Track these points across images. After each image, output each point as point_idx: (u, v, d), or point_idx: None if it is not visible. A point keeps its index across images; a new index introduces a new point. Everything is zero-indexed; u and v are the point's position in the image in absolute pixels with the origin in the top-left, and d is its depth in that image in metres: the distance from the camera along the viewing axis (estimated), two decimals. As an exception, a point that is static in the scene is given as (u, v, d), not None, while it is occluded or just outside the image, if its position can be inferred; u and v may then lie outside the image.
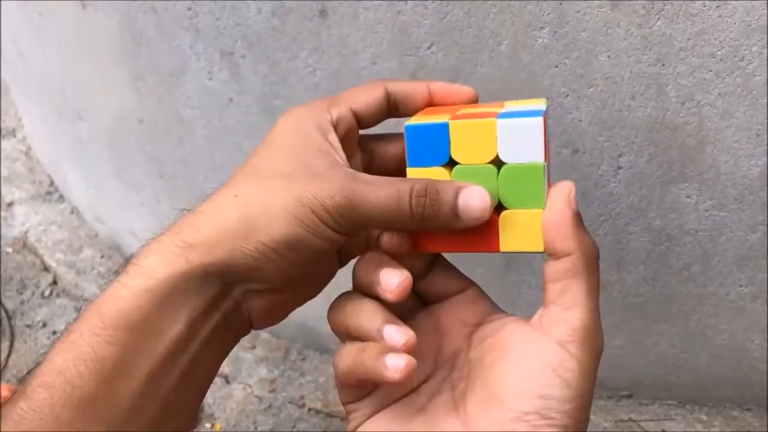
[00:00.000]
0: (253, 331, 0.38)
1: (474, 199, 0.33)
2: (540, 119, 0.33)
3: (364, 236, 0.39)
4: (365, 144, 0.40)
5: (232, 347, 0.37)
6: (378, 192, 0.33)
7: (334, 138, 0.37)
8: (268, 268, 0.33)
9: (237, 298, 0.34)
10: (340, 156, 0.36)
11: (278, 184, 0.34)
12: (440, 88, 0.40)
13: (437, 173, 0.35)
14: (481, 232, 0.34)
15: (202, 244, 0.33)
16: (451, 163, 0.35)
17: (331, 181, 0.33)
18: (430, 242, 0.36)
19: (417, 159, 0.35)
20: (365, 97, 0.39)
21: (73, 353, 0.31)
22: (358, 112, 0.39)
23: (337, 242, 0.34)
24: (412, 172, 0.35)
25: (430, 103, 0.39)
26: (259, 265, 0.33)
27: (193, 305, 0.33)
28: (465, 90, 0.40)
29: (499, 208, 0.34)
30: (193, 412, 0.35)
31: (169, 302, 0.32)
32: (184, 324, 0.32)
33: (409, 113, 0.39)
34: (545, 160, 0.33)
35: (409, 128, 0.35)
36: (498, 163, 0.34)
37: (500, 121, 0.33)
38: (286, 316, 0.39)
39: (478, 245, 0.35)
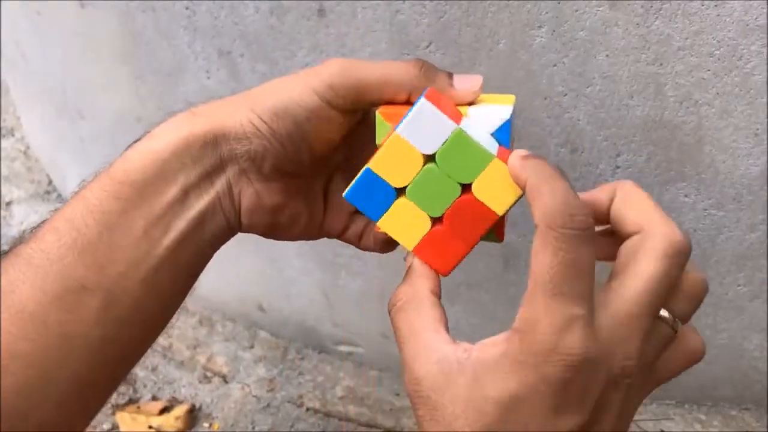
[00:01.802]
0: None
1: (469, 78, 0.37)
2: (422, 99, 0.35)
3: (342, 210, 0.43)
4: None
5: (225, 239, 0.39)
6: (377, 62, 0.36)
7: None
8: (255, 138, 0.35)
9: (230, 177, 0.37)
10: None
11: (296, 72, 0.37)
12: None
13: (414, 156, 0.36)
14: (474, 218, 0.35)
15: (205, 115, 0.36)
16: (431, 157, 0.36)
17: (332, 60, 0.36)
18: (440, 256, 0.37)
19: (410, 133, 0.36)
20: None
21: (82, 204, 0.35)
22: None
23: (324, 119, 0.36)
24: (396, 138, 0.36)
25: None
26: (247, 134, 0.35)
27: (188, 172, 0.35)
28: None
29: (466, 188, 0.35)
30: (178, 298, 0.38)
31: (169, 164, 0.35)
32: (179, 188, 0.35)
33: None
34: (458, 123, 0.35)
35: (425, 105, 0.35)
36: (431, 158, 0.35)
37: (399, 129, 0.35)
38: (272, 227, 0.41)
39: (481, 227, 0.36)
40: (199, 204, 0.36)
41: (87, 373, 0.35)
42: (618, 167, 0.79)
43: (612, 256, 0.35)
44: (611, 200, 0.35)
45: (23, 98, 1.58)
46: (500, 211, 0.34)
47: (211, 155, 0.36)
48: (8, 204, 1.62)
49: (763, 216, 0.80)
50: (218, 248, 0.39)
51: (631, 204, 0.34)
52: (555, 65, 0.73)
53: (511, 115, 0.36)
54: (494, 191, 0.34)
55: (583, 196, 0.36)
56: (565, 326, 0.29)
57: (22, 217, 1.57)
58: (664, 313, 0.33)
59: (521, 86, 0.76)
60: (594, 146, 0.78)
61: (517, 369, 0.29)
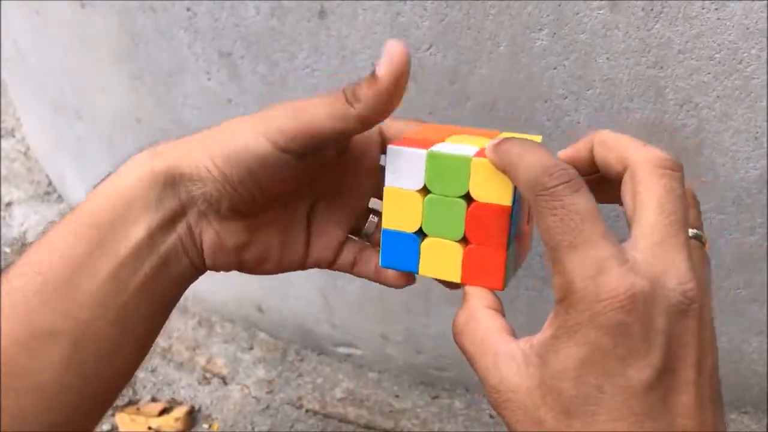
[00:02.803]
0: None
1: (385, 55, 0.35)
2: (388, 147, 0.37)
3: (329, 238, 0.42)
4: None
5: (191, 280, 0.39)
6: (315, 99, 0.36)
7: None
8: (210, 182, 0.36)
9: (190, 221, 0.37)
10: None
11: (247, 116, 0.37)
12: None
13: (411, 197, 0.37)
14: (491, 220, 0.36)
15: (165, 154, 0.37)
16: (425, 190, 0.37)
17: (282, 104, 0.36)
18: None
19: (395, 179, 0.37)
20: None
21: (47, 247, 0.34)
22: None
23: (277, 163, 0.36)
24: (388, 190, 0.37)
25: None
26: (202, 178, 0.36)
27: (152, 214, 0.35)
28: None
29: (469, 199, 0.36)
30: (149, 336, 0.38)
31: (133, 205, 0.35)
32: (144, 231, 0.35)
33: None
34: (427, 148, 0.36)
35: (392, 150, 0.37)
36: (426, 190, 0.36)
37: (386, 182, 0.36)
38: (239, 265, 0.41)
39: (503, 226, 0.36)
40: (163, 247, 0.36)
41: (63, 421, 0.34)
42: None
43: (614, 197, 0.35)
44: (591, 150, 0.36)
45: (22, 98, 1.58)
46: (507, 201, 0.35)
47: (172, 197, 0.36)
48: (8, 205, 1.62)
49: (762, 219, 0.80)
50: (186, 288, 0.39)
51: (610, 146, 0.34)
52: (555, 68, 0.73)
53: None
54: (491, 187, 0.35)
55: (562, 153, 0.37)
56: (597, 271, 0.28)
57: (21, 218, 1.57)
58: (690, 230, 0.33)
59: (522, 88, 0.76)
60: (594, 149, 0.78)
61: (573, 334, 0.28)
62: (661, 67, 0.71)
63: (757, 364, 0.94)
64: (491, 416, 1.04)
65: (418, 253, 0.37)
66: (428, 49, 0.76)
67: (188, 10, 0.87)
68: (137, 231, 0.35)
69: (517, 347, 0.31)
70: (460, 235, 0.36)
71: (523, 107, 0.77)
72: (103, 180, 0.37)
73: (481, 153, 0.35)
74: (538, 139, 0.36)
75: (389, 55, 0.35)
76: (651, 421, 0.28)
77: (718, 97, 0.72)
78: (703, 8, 0.66)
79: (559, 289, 0.29)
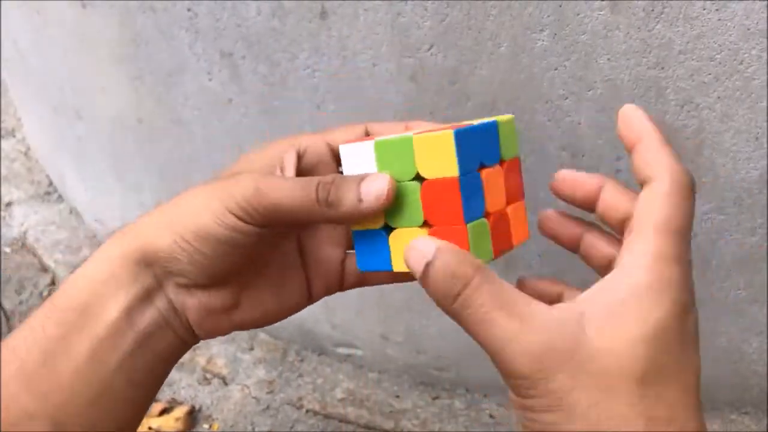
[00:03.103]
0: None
1: (375, 181, 0.34)
2: (340, 148, 0.36)
3: (329, 266, 0.41)
4: None
5: (179, 354, 0.39)
6: (289, 182, 0.34)
7: (290, 158, 0.38)
8: (183, 258, 0.35)
9: (169, 294, 0.37)
10: (285, 172, 0.38)
11: (205, 187, 0.37)
12: (419, 125, 0.40)
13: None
14: (444, 197, 0.34)
15: (133, 233, 0.37)
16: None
17: (245, 177, 0.35)
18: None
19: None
20: (344, 133, 0.40)
21: (26, 333, 0.35)
22: (334, 147, 0.40)
23: (249, 235, 0.35)
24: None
25: None
26: (174, 255, 0.35)
27: (127, 292, 0.35)
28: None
29: (421, 180, 0.35)
30: (135, 415, 0.37)
31: (107, 286, 0.35)
32: (120, 308, 0.35)
33: None
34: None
35: (343, 149, 0.37)
36: (420, 179, 0.35)
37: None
38: (231, 327, 0.40)
39: (455, 199, 0.35)
40: (142, 323, 0.36)
41: None
42: (619, 171, 0.79)
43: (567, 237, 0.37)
44: (598, 191, 0.36)
45: (23, 98, 1.58)
46: (454, 172, 0.33)
47: (146, 274, 0.36)
48: (8, 205, 1.62)
49: (762, 220, 0.80)
50: (174, 362, 0.39)
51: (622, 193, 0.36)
52: (556, 69, 0.74)
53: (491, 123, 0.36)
54: (437, 161, 0.34)
55: (567, 174, 0.37)
56: (684, 262, 0.30)
57: (22, 218, 1.57)
58: None
59: (522, 89, 0.76)
60: (595, 150, 0.78)
61: (659, 299, 0.29)
62: (662, 68, 0.71)
63: (758, 365, 0.94)
64: (491, 416, 1.04)
65: (389, 248, 0.36)
66: (429, 50, 0.76)
67: (189, 10, 0.87)
68: (113, 310, 0.35)
69: (561, 311, 0.29)
70: (420, 220, 0.35)
71: (523, 108, 0.77)
72: (77, 267, 0.37)
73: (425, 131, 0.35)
74: (512, 117, 0.37)
75: (378, 193, 0.34)
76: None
77: (719, 97, 0.72)
78: (704, 9, 0.67)
79: (658, 256, 0.30)
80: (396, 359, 1.10)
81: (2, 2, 1.28)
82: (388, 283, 0.42)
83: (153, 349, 0.37)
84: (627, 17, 0.69)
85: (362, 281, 0.42)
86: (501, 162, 0.36)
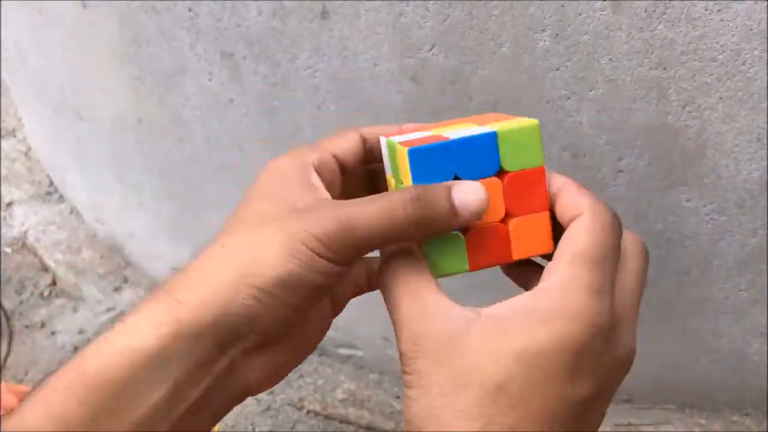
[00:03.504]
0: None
1: (469, 192, 0.32)
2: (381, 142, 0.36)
3: (355, 277, 0.40)
4: (349, 187, 0.40)
5: (222, 416, 0.34)
6: (369, 207, 0.31)
7: (316, 179, 0.35)
8: (264, 314, 0.31)
9: (234, 357, 0.32)
10: (326, 193, 0.35)
11: (267, 226, 0.32)
12: (412, 127, 0.39)
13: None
14: (493, 246, 0.35)
15: (193, 301, 0.30)
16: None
17: (319, 212, 0.32)
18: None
19: (424, 181, 0.35)
20: (343, 143, 0.38)
21: (42, 409, 0.29)
22: (340, 157, 0.38)
23: (335, 275, 0.32)
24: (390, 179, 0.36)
25: None
26: (255, 314, 0.31)
27: (180, 369, 0.30)
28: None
29: (505, 218, 0.35)
30: None
31: (154, 364, 0.30)
32: (167, 389, 0.30)
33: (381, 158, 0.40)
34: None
35: (414, 152, 0.35)
36: (499, 173, 0.34)
37: (500, 131, 0.34)
38: (288, 373, 0.36)
39: (492, 258, 0.35)
40: (192, 396, 0.31)
41: None
42: (620, 171, 0.79)
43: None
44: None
45: (23, 99, 1.58)
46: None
47: (208, 344, 0.31)
48: (9, 205, 1.62)
49: (764, 221, 0.79)
50: (217, 422, 0.34)
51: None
52: (558, 69, 0.73)
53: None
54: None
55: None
56: (598, 292, 0.29)
57: (22, 218, 1.57)
58: None
59: (524, 89, 0.76)
60: (596, 150, 0.78)
61: (547, 323, 0.29)
62: (664, 68, 0.71)
63: (759, 366, 0.94)
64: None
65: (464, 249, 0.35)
66: (430, 50, 0.76)
67: (190, 10, 0.87)
68: (159, 390, 0.30)
69: (461, 311, 0.30)
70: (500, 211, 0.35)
71: (525, 108, 0.77)
72: (110, 330, 0.31)
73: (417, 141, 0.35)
74: (534, 123, 0.34)
75: (476, 207, 0.32)
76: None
77: (720, 98, 0.71)
78: (706, 9, 0.66)
79: (558, 282, 0.31)
80: (396, 360, 1.09)
81: (3, 2, 1.28)
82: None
83: (197, 421, 0.32)
84: (629, 17, 0.68)
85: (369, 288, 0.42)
86: (501, 173, 0.35)
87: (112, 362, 0.29)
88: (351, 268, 0.34)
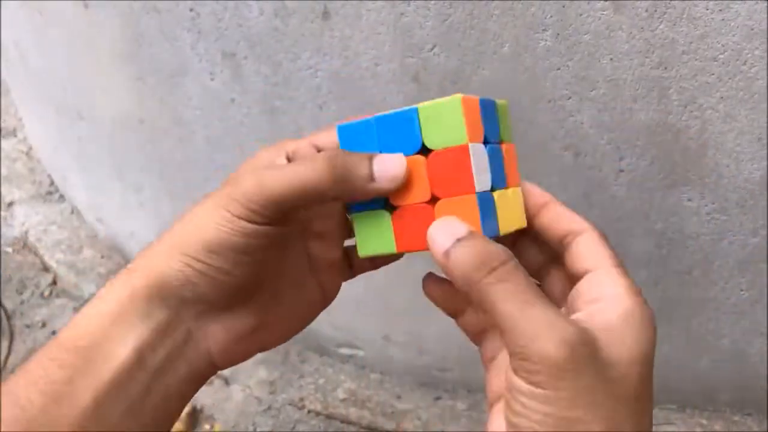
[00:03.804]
0: None
1: (388, 160, 0.33)
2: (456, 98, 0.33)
3: (339, 264, 0.40)
4: None
5: (191, 391, 0.36)
6: (291, 166, 0.33)
7: (281, 161, 0.37)
8: (198, 280, 0.33)
9: (189, 325, 0.34)
10: None
11: (203, 200, 0.35)
12: None
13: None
14: (421, 228, 0.34)
15: (141, 269, 0.34)
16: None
17: (245, 176, 0.34)
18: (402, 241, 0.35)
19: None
20: (326, 135, 0.39)
21: (26, 376, 0.32)
22: (322, 147, 0.39)
23: (261, 236, 0.33)
24: None
25: None
26: (188, 279, 0.33)
27: (139, 330, 0.33)
28: None
29: (433, 200, 0.34)
30: None
31: (116, 326, 0.33)
32: (130, 349, 0.33)
33: None
34: (470, 140, 0.33)
35: (341, 128, 0.36)
36: (425, 153, 0.34)
37: (421, 107, 0.33)
38: (255, 350, 0.38)
39: (420, 242, 0.34)
40: (154, 362, 0.33)
41: None
42: (621, 171, 0.79)
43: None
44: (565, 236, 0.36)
45: (24, 99, 1.58)
46: (464, 140, 0.33)
47: (159, 309, 0.33)
48: (10, 204, 1.62)
49: (764, 221, 0.79)
50: (188, 400, 0.36)
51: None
52: (559, 68, 0.73)
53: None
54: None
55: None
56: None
57: (23, 217, 1.57)
58: None
59: (525, 89, 0.76)
60: (597, 150, 0.78)
61: (648, 327, 0.31)
62: (665, 68, 0.71)
63: (760, 366, 0.94)
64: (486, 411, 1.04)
65: (392, 229, 0.35)
66: (431, 50, 0.76)
67: (191, 10, 0.87)
68: (121, 351, 0.32)
69: (573, 322, 0.30)
70: (428, 195, 0.34)
71: (526, 108, 0.77)
72: (83, 305, 0.34)
73: None
74: (456, 99, 0.33)
75: (394, 163, 0.33)
76: None
77: (722, 98, 0.72)
78: (707, 9, 0.66)
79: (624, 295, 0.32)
80: (398, 360, 1.10)
81: (3, 2, 1.28)
82: (387, 264, 0.41)
83: (164, 388, 0.34)
84: (630, 17, 0.68)
85: (364, 267, 0.42)
86: (426, 152, 0.34)
87: (83, 329, 0.33)
88: (285, 233, 0.35)
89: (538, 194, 0.37)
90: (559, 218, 0.36)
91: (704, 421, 0.99)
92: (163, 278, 0.33)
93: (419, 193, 0.34)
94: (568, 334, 0.28)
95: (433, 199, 0.34)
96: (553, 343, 0.28)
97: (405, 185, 0.34)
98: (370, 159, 0.33)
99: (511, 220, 0.35)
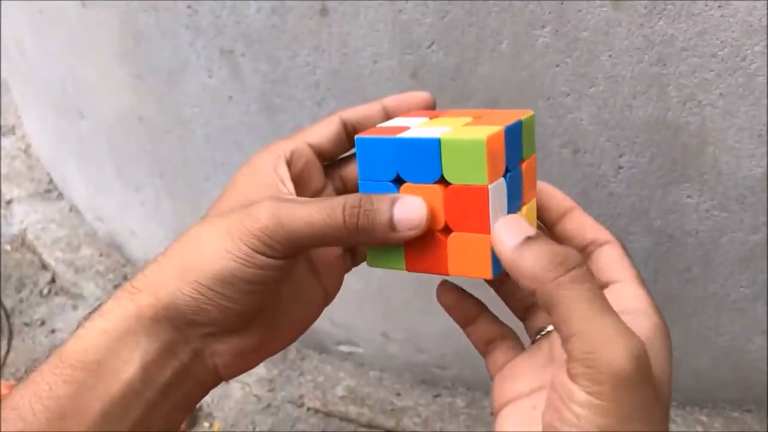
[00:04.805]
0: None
1: (410, 209, 0.32)
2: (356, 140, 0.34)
3: (339, 264, 0.39)
4: (335, 172, 0.40)
5: (197, 400, 0.36)
6: (311, 207, 0.32)
7: (283, 170, 0.36)
8: (210, 307, 0.33)
9: (195, 345, 0.34)
10: (287, 187, 0.36)
11: (215, 222, 0.34)
12: (393, 101, 0.39)
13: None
14: (431, 254, 0.34)
15: (148, 288, 0.33)
16: (399, 180, 0.34)
17: (261, 208, 0.33)
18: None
19: (367, 173, 0.35)
20: (320, 129, 0.39)
21: (30, 390, 0.32)
22: (316, 145, 0.39)
23: (276, 269, 0.33)
24: (364, 186, 0.35)
25: (387, 120, 0.39)
26: (200, 305, 0.33)
27: (145, 348, 0.33)
28: (419, 96, 0.39)
29: (447, 230, 0.33)
30: None
31: (123, 343, 0.32)
32: (137, 366, 0.32)
33: None
34: (490, 182, 0.32)
35: (360, 141, 0.35)
36: (444, 183, 0.33)
37: (444, 139, 0.32)
38: (262, 359, 0.38)
39: (429, 266, 0.34)
40: (161, 379, 0.33)
41: None
42: (621, 168, 0.79)
43: None
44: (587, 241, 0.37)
45: (24, 97, 1.58)
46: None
47: (167, 329, 0.33)
48: (8, 202, 1.62)
49: (765, 218, 0.79)
50: (192, 409, 0.37)
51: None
52: (558, 65, 0.73)
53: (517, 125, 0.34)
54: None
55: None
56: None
57: (22, 215, 1.57)
58: None
59: (524, 86, 0.75)
60: (597, 147, 0.78)
61: (667, 339, 0.33)
62: (664, 65, 0.71)
63: (760, 363, 0.93)
64: (492, 414, 1.04)
65: (403, 250, 0.35)
66: (430, 47, 0.76)
67: (189, 7, 0.87)
68: (129, 368, 0.32)
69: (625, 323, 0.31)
70: (441, 224, 0.33)
71: (525, 105, 0.77)
72: (87, 318, 0.34)
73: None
74: (480, 140, 0.32)
75: (414, 224, 0.32)
76: None
77: (721, 94, 0.71)
78: (706, 5, 0.66)
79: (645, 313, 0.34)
80: (397, 357, 1.09)
81: (4, 1, 1.28)
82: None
83: (170, 403, 0.34)
84: (629, 14, 0.68)
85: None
86: (445, 182, 0.33)
87: (88, 344, 0.32)
88: (296, 261, 0.35)
89: (560, 199, 0.37)
90: (583, 227, 0.36)
91: (704, 419, 0.99)
92: (172, 301, 0.33)
93: (434, 221, 0.33)
94: (637, 347, 0.28)
95: (447, 228, 0.33)
96: (625, 355, 0.28)
97: None
98: (392, 204, 0.32)
99: None
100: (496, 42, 0.73)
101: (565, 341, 0.29)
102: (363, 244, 0.34)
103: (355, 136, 0.34)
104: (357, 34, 0.78)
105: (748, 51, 0.68)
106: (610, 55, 0.71)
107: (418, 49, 0.76)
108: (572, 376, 0.28)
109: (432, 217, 0.33)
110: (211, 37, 0.88)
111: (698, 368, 0.97)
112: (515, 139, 0.34)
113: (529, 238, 0.30)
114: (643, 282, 0.34)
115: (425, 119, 0.37)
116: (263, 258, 0.32)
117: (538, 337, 0.36)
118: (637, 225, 0.83)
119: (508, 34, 0.72)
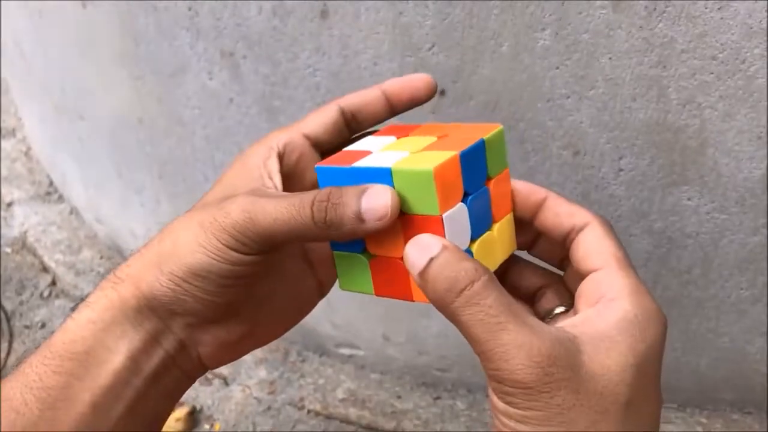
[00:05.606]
0: None
1: (377, 197, 0.31)
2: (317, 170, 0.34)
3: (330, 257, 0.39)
4: None
5: (184, 388, 0.37)
6: (278, 203, 0.32)
7: (273, 163, 0.36)
8: (186, 298, 0.33)
9: (179, 334, 0.34)
10: (273, 181, 0.36)
11: (193, 215, 0.34)
12: (392, 85, 0.39)
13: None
14: (397, 280, 0.33)
15: (129, 278, 0.34)
16: None
17: (234, 203, 0.33)
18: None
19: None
20: (317, 118, 0.38)
21: (21, 382, 0.32)
22: (312, 135, 0.38)
23: (250, 264, 0.33)
24: None
25: (388, 105, 0.38)
26: (177, 296, 0.33)
27: (131, 337, 0.33)
28: (419, 78, 0.39)
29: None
30: None
31: (109, 333, 0.33)
32: (124, 355, 0.33)
33: (369, 122, 0.39)
34: (443, 211, 0.31)
35: (319, 170, 0.34)
36: (401, 212, 0.32)
37: (395, 170, 0.32)
38: (251, 349, 0.38)
39: (394, 291, 0.34)
40: (148, 368, 0.34)
41: None
42: (621, 170, 0.79)
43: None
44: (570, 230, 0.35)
45: (24, 98, 1.58)
46: (435, 211, 0.33)
47: (150, 318, 0.34)
48: (9, 205, 1.62)
49: (764, 220, 0.79)
50: (179, 398, 0.37)
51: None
52: (558, 67, 0.73)
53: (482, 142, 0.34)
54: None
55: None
56: (649, 292, 0.33)
57: (22, 218, 1.57)
58: None
59: (524, 88, 0.76)
60: (596, 149, 0.78)
61: (645, 331, 0.30)
62: (664, 67, 0.71)
63: (760, 365, 0.93)
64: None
65: (370, 274, 0.34)
66: (430, 49, 0.76)
67: (190, 9, 0.87)
68: (116, 358, 0.33)
69: (560, 330, 0.30)
70: (401, 253, 0.32)
71: (525, 107, 0.77)
72: (74, 310, 0.34)
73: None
74: (428, 171, 0.30)
75: (381, 213, 0.31)
76: None
77: (721, 96, 0.71)
78: (705, 7, 0.66)
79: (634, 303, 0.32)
80: (397, 360, 1.09)
81: (3, 2, 1.28)
82: None
83: (158, 392, 0.35)
84: (629, 16, 0.68)
85: None
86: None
87: (76, 334, 0.33)
88: (281, 254, 0.35)
89: (530, 192, 0.36)
90: (558, 216, 0.35)
91: (704, 420, 0.99)
92: (151, 292, 0.33)
93: (393, 249, 0.33)
94: (539, 354, 0.28)
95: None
96: (523, 367, 0.28)
97: (381, 237, 0.33)
98: (360, 195, 0.31)
99: (499, 253, 0.35)
100: (497, 44, 0.73)
101: (479, 358, 0.29)
102: (336, 239, 0.33)
103: (315, 165, 0.34)
104: (357, 36, 0.78)
105: (748, 53, 0.68)
106: (610, 58, 0.71)
107: (418, 51, 0.76)
108: (492, 389, 0.29)
109: (391, 245, 0.33)
110: (211, 39, 0.88)
111: (698, 370, 0.97)
112: (476, 161, 0.33)
113: (432, 259, 0.30)
114: (627, 262, 0.32)
115: (393, 139, 0.36)
116: (235, 254, 0.32)
117: (547, 320, 0.35)
118: (638, 227, 0.83)
119: (508, 36, 0.72)
